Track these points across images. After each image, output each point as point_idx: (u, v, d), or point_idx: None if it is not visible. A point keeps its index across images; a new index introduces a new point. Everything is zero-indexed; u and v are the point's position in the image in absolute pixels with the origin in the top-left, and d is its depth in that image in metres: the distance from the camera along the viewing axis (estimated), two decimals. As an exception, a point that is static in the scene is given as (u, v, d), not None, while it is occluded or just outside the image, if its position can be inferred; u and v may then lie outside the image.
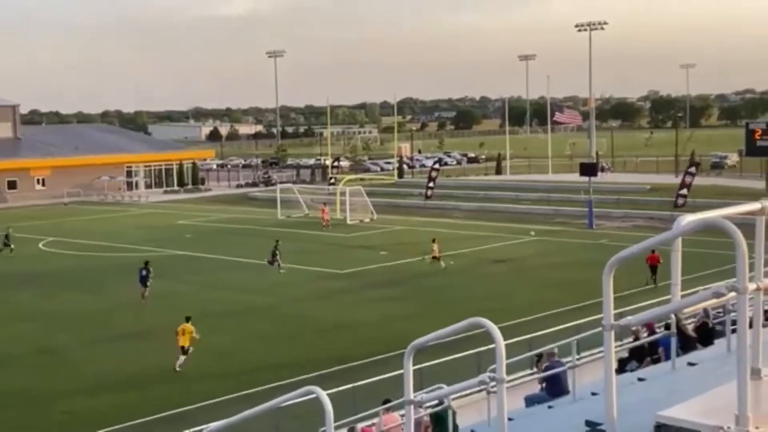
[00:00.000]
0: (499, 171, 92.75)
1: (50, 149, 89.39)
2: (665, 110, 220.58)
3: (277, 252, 41.01)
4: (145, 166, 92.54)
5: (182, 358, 25.52)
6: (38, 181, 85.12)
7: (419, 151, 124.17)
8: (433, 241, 41.98)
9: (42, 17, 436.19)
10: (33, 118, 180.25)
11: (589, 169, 57.44)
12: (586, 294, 29.29)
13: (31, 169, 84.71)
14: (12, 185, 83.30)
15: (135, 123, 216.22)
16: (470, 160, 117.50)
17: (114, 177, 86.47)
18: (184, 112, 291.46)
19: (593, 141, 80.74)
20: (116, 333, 30.27)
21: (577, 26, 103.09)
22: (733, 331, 9.62)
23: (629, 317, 4.95)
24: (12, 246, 48.04)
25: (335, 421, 6.04)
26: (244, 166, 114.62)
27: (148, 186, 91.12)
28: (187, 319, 26.49)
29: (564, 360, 14.43)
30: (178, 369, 25.29)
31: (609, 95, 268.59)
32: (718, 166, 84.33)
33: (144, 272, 35.27)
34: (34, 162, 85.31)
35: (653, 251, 32.30)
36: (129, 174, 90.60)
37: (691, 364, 10.84)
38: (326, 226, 56.72)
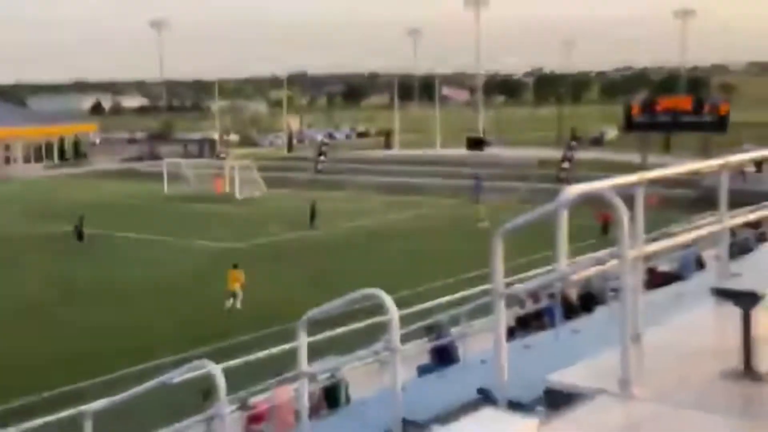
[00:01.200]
0: (388, 145, 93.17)
1: None
2: (549, 86, 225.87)
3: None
4: (24, 140, 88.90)
5: (231, 300, 28.78)
6: None
7: (309, 126, 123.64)
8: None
9: None
10: None
11: (476, 144, 58.42)
12: (473, 266, 29.81)
13: None
14: None
15: (13, 95, 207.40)
16: (360, 135, 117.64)
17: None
18: (66, 85, 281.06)
19: (480, 116, 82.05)
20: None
21: (465, 2, 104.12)
22: (615, 298, 10.02)
23: (517, 285, 5.09)
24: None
25: (227, 395, 6.01)
26: (129, 141, 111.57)
27: (27, 161, 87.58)
28: (235, 266, 29.67)
29: (453, 330, 14.73)
30: (228, 308, 28.53)
31: (495, 71, 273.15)
32: (597, 142, 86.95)
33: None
34: None
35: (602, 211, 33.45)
36: (6, 148, 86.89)
37: (574, 331, 11.25)
38: (219, 196, 57.19)
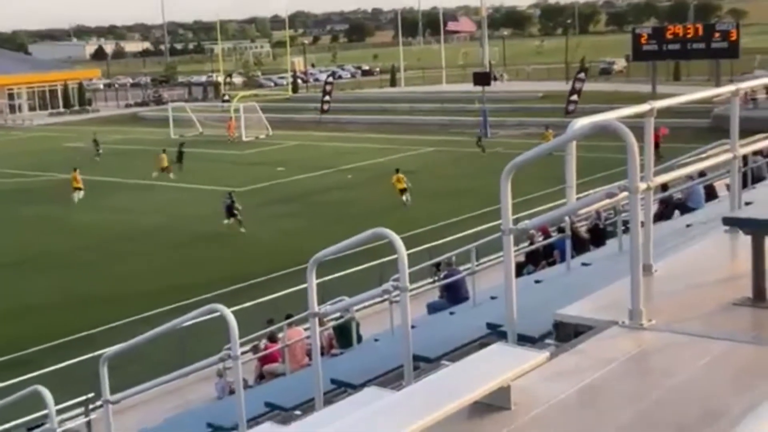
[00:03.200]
0: (393, 83, 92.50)
1: None
2: (555, 18, 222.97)
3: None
4: (28, 88, 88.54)
5: (406, 197, 34.50)
6: None
7: (313, 65, 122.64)
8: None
9: None
10: None
11: (482, 79, 57.88)
12: (482, 202, 29.77)
13: None
14: None
15: (13, 42, 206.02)
16: (364, 73, 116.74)
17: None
18: (66, 30, 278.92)
19: (486, 50, 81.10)
20: (9, 260, 29.43)
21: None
22: (625, 231, 9.97)
23: (526, 221, 5.04)
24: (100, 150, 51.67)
25: (239, 338, 6.02)
26: (133, 86, 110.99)
27: (32, 108, 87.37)
28: (397, 171, 35.61)
29: (462, 268, 14.74)
30: (406, 203, 34.12)
31: (500, 4, 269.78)
32: (606, 72, 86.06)
33: (228, 201, 32.65)
34: None
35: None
36: (11, 97, 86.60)
37: (585, 264, 11.23)
38: (231, 140, 57.34)
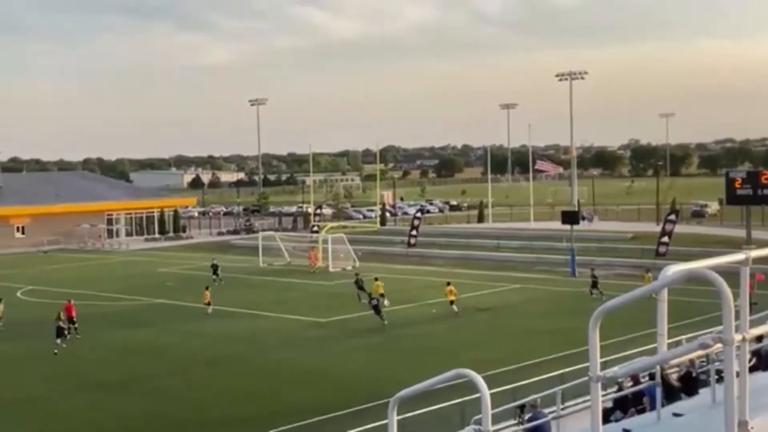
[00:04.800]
0: (481, 219, 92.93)
1: (30, 197, 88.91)
2: (646, 159, 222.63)
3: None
4: (126, 214, 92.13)
5: (456, 306, 39.94)
6: (18, 229, 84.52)
7: (401, 199, 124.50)
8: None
9: (23, 65, 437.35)
10: (14, 166, 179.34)
11: (570, 217, 57.69)
12: (570, 343, 29.16)
13: (10, 217, 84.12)
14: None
15: (116, 171, 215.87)
16: (452, 208, 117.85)
17: (94, 225, 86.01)
18: (166, 160, 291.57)
19: (575, 189, 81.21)
20: (97, 382, 29.87)
21: (557, 75, 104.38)
22: (719, 381, 9.56)
23: (615, 368, 4.90)
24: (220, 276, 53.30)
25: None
26: (226, 214, 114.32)
27: (129, 234, 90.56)
28: (448, 284, 41.30)
29: (548, 410, 14.31)
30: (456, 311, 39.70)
31: (590, 144, 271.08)
32: (698, 215, 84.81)
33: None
34: (13, 210, 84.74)
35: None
36: (110, 222, 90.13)
37: (676, 414, 10.76)
38: (313, 270, 57.72)
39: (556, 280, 51.28)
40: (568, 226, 56.86)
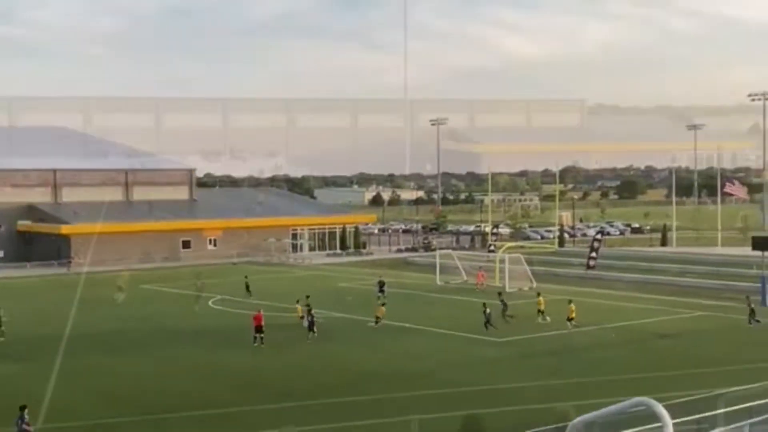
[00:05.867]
0: (664, 243, 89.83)
1: (222, 211, 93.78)
2: None
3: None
4: (310, 230, 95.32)
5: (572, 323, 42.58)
6: (210, 241, 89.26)
7: (581, 220, 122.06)
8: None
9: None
10: (207, 181, 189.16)
11: (763, 243, 54.84)
12: (758, 376, 27.83)
13: (204, 230, 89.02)
14: (186, 244, 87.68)
15: (301, 187, 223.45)
16: (634, 231, 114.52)
17: (280, 239, 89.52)
18: (349, 177, 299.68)
19: (767, 214, 77.03)
20: (278, 392, 31.14)
21: (750, 96, 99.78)
22: None
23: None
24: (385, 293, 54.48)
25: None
26: (405, 231, 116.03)
27: (311, 248, 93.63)
28: (570, 301, 43.39)
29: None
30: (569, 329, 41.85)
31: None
32: None
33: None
34: (207, 223, 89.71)
35: None
36: (294, 236, 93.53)
37: None
38: (480, 290, 57.58)
39: (744, 308, 48.89)
40: (759, 253, 54.14)
